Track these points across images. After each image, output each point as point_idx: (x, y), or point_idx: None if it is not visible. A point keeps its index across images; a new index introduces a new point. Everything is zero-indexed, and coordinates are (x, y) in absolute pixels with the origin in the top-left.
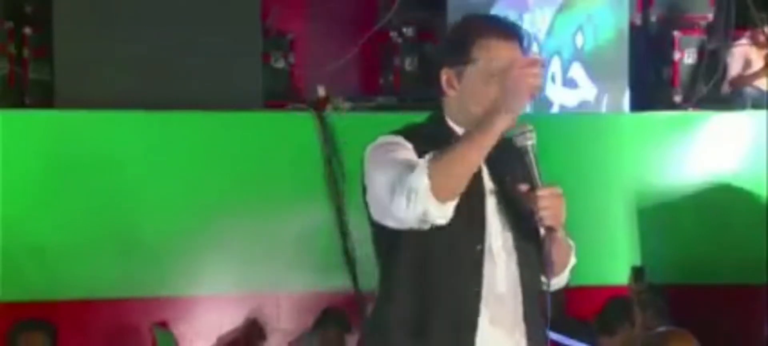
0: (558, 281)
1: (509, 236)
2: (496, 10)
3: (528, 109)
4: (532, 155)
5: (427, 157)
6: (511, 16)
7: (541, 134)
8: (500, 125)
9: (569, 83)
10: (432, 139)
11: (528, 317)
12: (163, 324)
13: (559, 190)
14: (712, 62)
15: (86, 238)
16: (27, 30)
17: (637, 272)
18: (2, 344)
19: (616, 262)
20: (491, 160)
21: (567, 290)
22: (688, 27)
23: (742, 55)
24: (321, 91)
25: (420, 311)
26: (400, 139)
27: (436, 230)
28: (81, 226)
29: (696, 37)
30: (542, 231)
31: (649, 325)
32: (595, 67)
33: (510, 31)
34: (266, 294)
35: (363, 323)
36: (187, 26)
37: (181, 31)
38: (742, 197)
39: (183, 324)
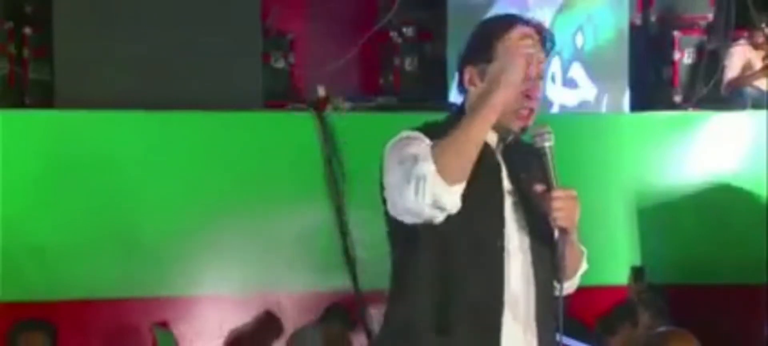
0: (569, 286)
1: (525, 237)
2: (496, 10)
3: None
4: (549, 157)
5: (431, 143)
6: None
7: None
8: (499, 98)
9: (569, 83)
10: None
11: (540, 318)
12: (163, 324)
13: (573, 192)
14: (711, 62)
15: (86, 238)
16: (27, 30)
17: (637, 272)
18: (2, 344)
19: (616, 262)
20: (510, 161)
21: None
22: (688, 27)
23: (740, 56)
24: (321, 91)
25: (444, 309)
26: (418, 134)
27: (457, 226)
28: (81, 226)
29: (696, 37)
30: (556, 234)
31: (649, 325)
32: (595, 67)
33: (531, 30)
34: (266, 294)
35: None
36: (187, 26)
37: (181, 31)
38: (742, 197)
39: (183, 324)
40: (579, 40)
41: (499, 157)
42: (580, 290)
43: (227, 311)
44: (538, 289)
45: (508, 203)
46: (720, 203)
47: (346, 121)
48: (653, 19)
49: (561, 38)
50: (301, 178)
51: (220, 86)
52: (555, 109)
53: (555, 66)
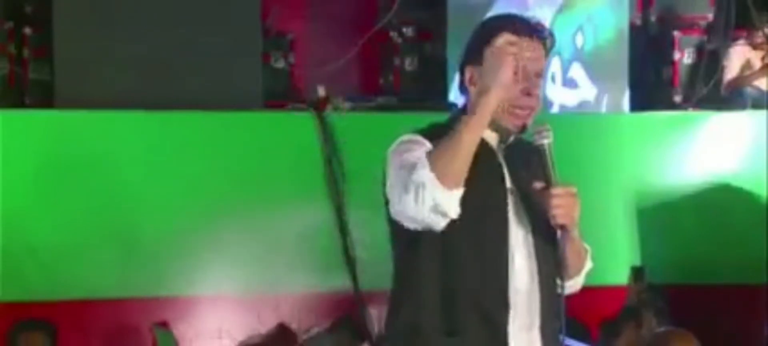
0: (573, 285)
1: (529, 236)
2: (496, 10)
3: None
4: (548, 154)
5: (426, 150)
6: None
7: None
8: (490, 102)
9: (569, 83)
10: None
11: (543, 317)
12: (163, 324)
13: (573, 189)
14: (711, 62)
15: (86, 238)
16: (27, 30)
17: (638, 272)
18: (2, 344)
19: (616, 262)
20: (512, 161)
21: None
22: (688, 27)
23: (740, 56)
24: (321, 91)
25: (450, 311)
26: (418, 137)
27: (461, 227)
28: (81, 226)
29: (696, 37)
30: (559, 233)
31: (648, 326)
32: (595, 67)
33: (531, 30)
34: (266, 294)
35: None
36: (187, 26)
37: (181, 31)
38: (742, 197)
39: (183, 324)
40: (579, 40)
41: (501, 158)
42: (580, 290)
43: (227, 311)
44: (542, 288)
45: (511, 202)
46: (720, 203)
47: (346, 121)
48: (653, 19)
49: (561, 38)
50: (301, 178)
51: (220, 86)
52: (555, 109)
53: (555, 66)
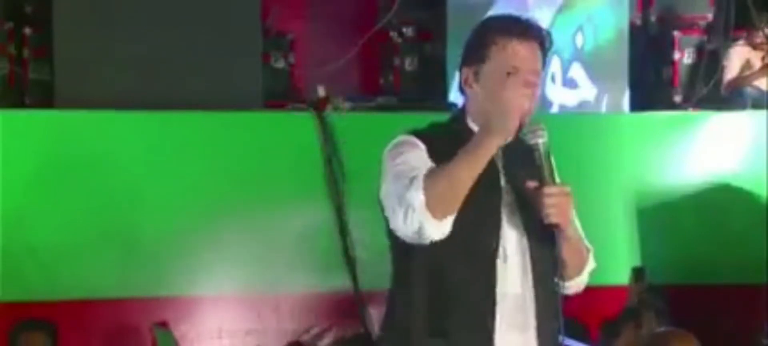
0: (574, 285)
1: (524, 236)
2: (496, 10)
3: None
4: (542, 153)
5: (424, 173)
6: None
7: None
8: (491, 146)
9: (569, 83)
10: (450, 139)
11: (540, 319)
12: (163, 324)
13: (567, 189)
14: (711, 62)
15: (86, 238)
16: (27, 30)
17: (638, 273)
18: (3, 343)
19: (616, 262)
20: (509, 160)
21: None
22: (688, 27)
23: (740, 56)
24: (321, 91)
25: (437, 313)
26: (413, 139)
27: (453, 230)
28: (81, 226)
29: (696, 37)
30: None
31: (649, 326)
32: (595, 67)
33: (527, 32)
34: (266, 294)
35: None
36: (187, 26)
37: (181, 31)
38: (742, 197)
39: (183, 324)
40: (579, 40)
41: (499, 160)
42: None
43: (227, 311)
44: (538, 289)
45: (507, 201)
46: (720, 203)
47: (346, 121)
48: (653, 19)
49: (561, 38)
50: (301, 178)
51: (220, 86)
52: (555, 109)
53: (555, 66)
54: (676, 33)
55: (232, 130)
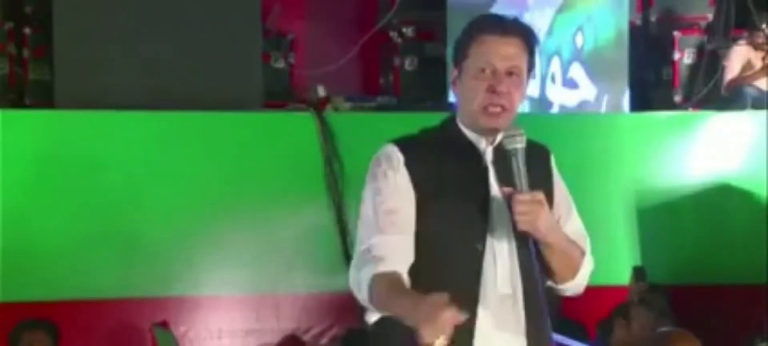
0: (570, 287)
1: (512, 238)
2: (496, 10)
3: (527, 108)
4: (519, 159)
5: (373, 273)
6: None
7: (541, 134)
8: (404, 315)
9: (569, 83)
10: (439, 142)
11: (530, 320)
12: (163, 324)
13: (539, 196)
14: (711, 62)
15: (86, 238)
16: (27, 30)
17: (638, 272)
18: (4, 343)
19: (616, 262)
20: (499, 163)
21: None
22: (688, 27)
23: (740, 56)
24: (321, 91)
25: None
26: (395, 153)
27: (438, 230)
28: (81, 226)
29: (696, 37)
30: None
31: (652, 325)
32: (595, 67)
33: (506, 28)
34: (266, 294)
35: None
36: (187, 26)
37: (181, 32)
38: (742, 196)
39: (183, 324)
40: (579, 40)
41: (488, 161)
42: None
43: (227, 311)
44: (527, 291)
45: (497, 204)
46: (720, 203)
47: (346, 121)
48: (653, 19)
49: (561, 38)
50: (301, 178)
51: (220, 86)
52: (555, 109)
53: (555, 66)
54: (676, 33)
55: (232, 130)
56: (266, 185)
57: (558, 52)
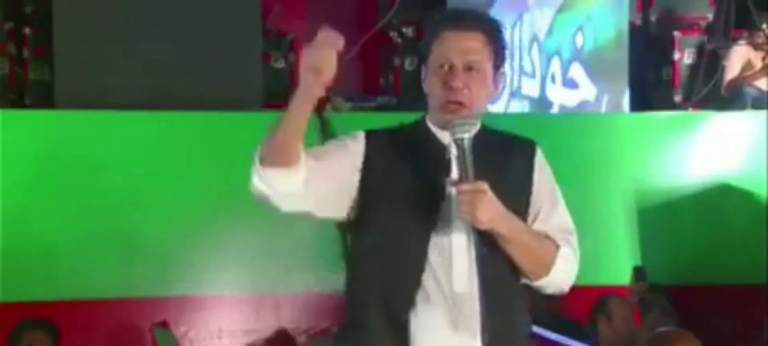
0: (546, 284)
1: (472, 235)
2: (496, 10)
3: (528, 108)
4: (465, 149)
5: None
6: (511, 16)
7: (541, 134)
8: (297, 100)
9: (569, 83)
10: (407, 137)
11: (491, 318)
12: (163, 324)
13: (483, 186)
14: (711, 62)
15: (86, 238)
16: (27, 30)
17: (638, 272)
18: (4, 343)
19: (616, 262)
20: (475, 155)
21: None
22: (688, 27)
23: (740, 56)
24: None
25: (360, 311)
26: (359, 133)
27: (386, 224)
28: (81, 226)
29: (696, 37)
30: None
31: (653, 325)
32: (595, 67)
33: (467, 23)
34: (266, 294)
35: None
36: (187, 26)
37: (181, 31)
38: (742, 196)
39: (183, 324)
40: (579, 40)
41: (452, 155)
42: (579, 290)
43: (227, 311)
44: (486, 288)
45: (455, 201)
46: (720, 203)
47: (346, 121)
48: (653, 19)
49: (561, 38)
50: None
51: (220, 86)
52: (555, 109)
53: (555, 66)
54: (676, 33)
55: (232, 130)
56: None
57: (558, 52)
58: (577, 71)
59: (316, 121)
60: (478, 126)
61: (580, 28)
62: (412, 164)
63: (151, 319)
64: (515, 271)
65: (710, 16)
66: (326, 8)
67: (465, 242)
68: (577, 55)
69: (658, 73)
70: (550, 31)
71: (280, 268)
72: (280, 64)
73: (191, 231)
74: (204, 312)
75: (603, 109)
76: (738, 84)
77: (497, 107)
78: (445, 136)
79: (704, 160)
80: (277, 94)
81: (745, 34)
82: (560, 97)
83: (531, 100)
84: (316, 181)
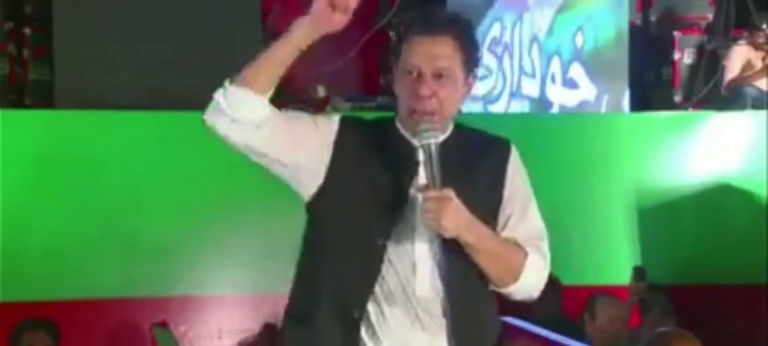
0: (514, 291)
1: (436, 240)
2: (496, 10)
3: (528, 108)
4: (432, 154)
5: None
6: (511, 16)
7: (541, 134)
8: (290, 35)
9: (569, 83)
10: (377, 132)
11: (456, 322)
12: (163, 324)
13: (448, 193)
14: (711, 62)
15: (87, 238)
16: (27, 30)
17: (638, 272)
18: (5, 343)
19: (616, 262)
20: (446, 159)
21: (564, 290)
22: (688, 27)
23: (740, 56)
24: (321, 91)
25: (309, 302)
26: (334, 117)
27: (342, 222)
28: (81, 226)
29: (696, 37)
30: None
31: (653, 325)
32: (595, 67)
33: (436, 28)
34: (266, 294)
35: None
36: (187, 26)
37: (181, 32)
38: (742, 196)
39: (183, 324)
40: (579, 40)
41: (421, 158)
42: (580, 290)
43: (227, 311)
44: (451, 293)
45: (422, 208)
46: (720, 203)
47: None
48: (653, 19)
49: (561, 38)
50: None
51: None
52: (555, 109)
53: (555, 66)
54: (676, 33)
55: None
56: (266, 184)
57: (558, 52)
58: (577, 71)
59: None
60: (449, 130)
61: (580, 28)
62: (380, 161)
63: (151, 319)
64: (482, 277)
65: (710, 16)
66: None
67: (428, 248)
68: (577, 55)
69: (658, 73)
70: (550, 31)
71: (280, 268)
72: None
73: (191, 231)
74: (204, 312)
75: (603, 109)
76: (738, 84)
77: (497, 107)
78: (413, 138)
79: (704, 160)
80: (277, 94)
81: (745, 34)
82: (560, 97)
83: (531, 100)
84: (275, 122)
